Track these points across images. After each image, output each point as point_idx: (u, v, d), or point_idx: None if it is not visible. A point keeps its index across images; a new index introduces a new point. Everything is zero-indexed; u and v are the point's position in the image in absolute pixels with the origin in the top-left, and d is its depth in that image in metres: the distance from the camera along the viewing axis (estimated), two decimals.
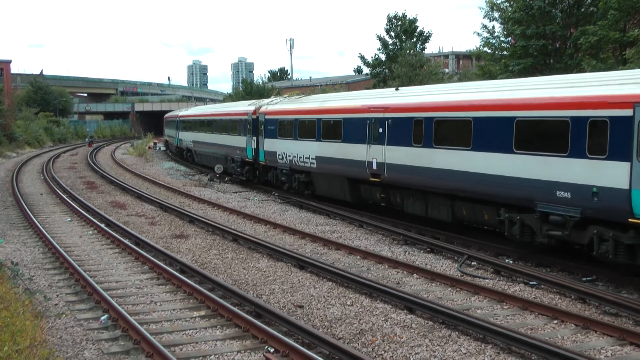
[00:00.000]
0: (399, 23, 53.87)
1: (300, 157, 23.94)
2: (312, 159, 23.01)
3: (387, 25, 54.53)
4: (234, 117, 31.83)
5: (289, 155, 24.78)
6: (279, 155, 25.72)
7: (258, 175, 29.50)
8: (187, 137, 42.99)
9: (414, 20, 53.82)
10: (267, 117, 27.15)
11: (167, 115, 61.99)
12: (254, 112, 28.53)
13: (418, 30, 53.95)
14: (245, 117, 29.40)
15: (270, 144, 26.63)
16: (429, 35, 54.25)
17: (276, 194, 27.00)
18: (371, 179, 19.50)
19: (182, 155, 47.53)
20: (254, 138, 28.18)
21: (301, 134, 23.94)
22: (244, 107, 31.54)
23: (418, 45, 53.52)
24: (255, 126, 28.24)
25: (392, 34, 54.34)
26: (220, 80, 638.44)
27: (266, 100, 30.63)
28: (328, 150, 22.00)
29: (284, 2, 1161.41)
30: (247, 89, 73.89)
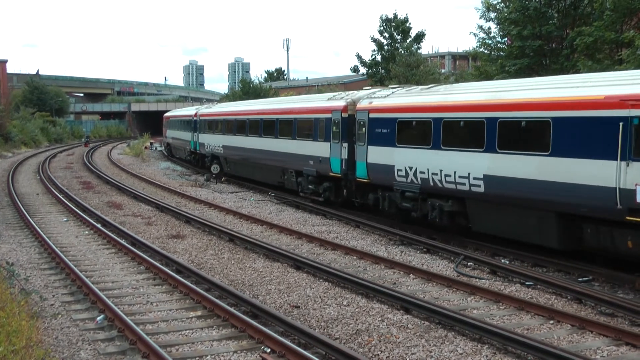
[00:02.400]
0: (392, 24, 54.01)
1: (446, 175, 16.28)
2: (474, 178, 15.35)
3: (380, 27, 54.70)
4: (305, 115, 24.11)
5: (422, 172, 17.10)
6: (398, 170, 17.93)
7: (347, 195, 22.08)
8: (213, 142, 34.91)
9: (406, 20, 53.94)
10: (373, 115, 19.29)
11: (168, 114, 55.70)
12: (345, 108, 21.15)
13: (411, 29, 54.10)
14: (329, 115, 21.85)
15: (380, 154, 18.79)
16: (423, 35, 54.38)
17: (272, 193, 26.94)
18: (628, 217, 11.97)
19: (199, 162, 39.70)
20: (344, 145, 20.89)
21: (449, 141, 16.31)
22: (324, 101, 23.36)
23: (413, 45, 53.61)
24: (347, 128, 20.94)
25: (386, 34, 54.49)
26: (217, 81, 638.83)
27: (364, 92, 21.72)
28: (513, 167, 14.32)
29: (279, 2, 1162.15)
30: (244, 88, 73.77)
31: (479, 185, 15.27)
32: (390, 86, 21.54)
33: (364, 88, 23.31)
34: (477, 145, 15.25)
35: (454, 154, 16.10)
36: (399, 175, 17.96)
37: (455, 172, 15.98)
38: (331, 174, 21.63)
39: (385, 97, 19.68)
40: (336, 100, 22.33)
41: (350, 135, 20.64)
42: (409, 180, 17.61)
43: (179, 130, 45.60)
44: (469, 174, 15.51)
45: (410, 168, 17.47)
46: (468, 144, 15.73)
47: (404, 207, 18.02)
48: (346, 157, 20.77)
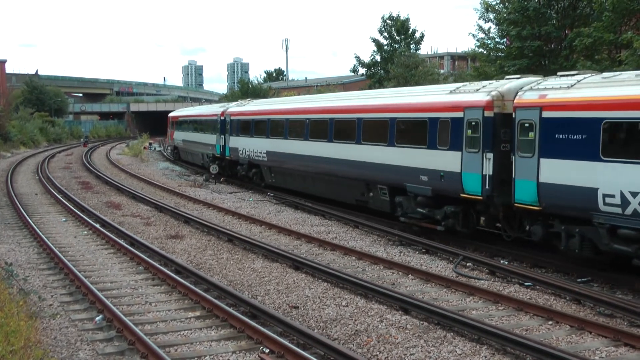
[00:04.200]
0: (392, 24, 54.06)
1: None
2: None
3: (380, 26, 54.73)
4: (412, 114, 17.99)
5: None
6: (607, 195, 12.45)
7: (486, 223, 16.63)
8: (252, 146, 28.49)
9: (407, 20, 54.02)
10: (551, 114, 13.73)
11: (176, 113, 49.31)
12: (489, 104, 15.34)
13: (411, 30, 54.16)
14: (458, 114, 16.06)
15: (566, 171, 13.32)
16: (422, 36, 54.49)
17: (271, 194, 26.90)
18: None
19: (226, 170, 33.42)
20: (487, 155, 15.10)
21: None
22: (446, 95, 17.08)
23: (412, 46, 53.71)
24: (492, 132, 15.25)
25: (386, 34, 54.53)
26: (215, 81, 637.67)
27: (515, 82, 15.59)
28: None
29: (278, 2, 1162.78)
30: (243, 88, 73.77)
31: None
32: (560, 73, 14.90)
33: (506, 77, 16.68)
34: None
35: None
36: (607, 204, 12.30)
37: None
38: (464, 195, 15.62)
39: (569, 87, 13.66)
40: (470, 94, 16.16)
41: (498, 143, 15.10)
42: (629, 211, 11.97)
43: (194, 132, 39.63)
44: None
45: (635, 194, 11.85)
46: None
47: (617, 251, 12.56)
48: (490, 172, 15.01)
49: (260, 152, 27.47)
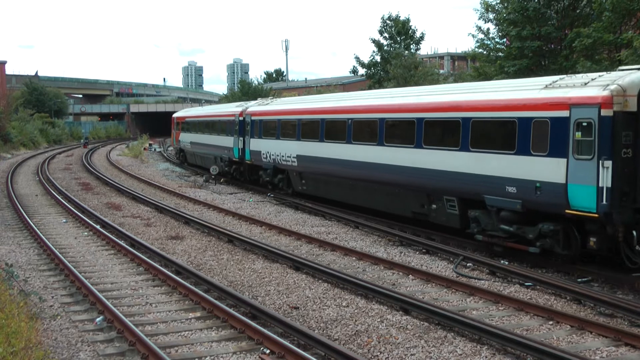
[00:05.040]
0: (393, 24, 54.08)
1: None
2: None
3: (381, 26, 54.73)
4: (501, 114, 15.01)
5: None
6: None
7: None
8: (279, 150, 25.61)
9: (407, 21, 54.04)
10: None
11: (182, 114, 46.37)
12: None
13: (411, 30, 54.17)
14: (582, 109, 13.01)
15: None
16: (422, 36, 54.51)
17: (272, 195, 26.88)
18: None
19: (245, 175, 30.91)
20: (604, 163, 12.48)
21: None
22: (572, 90, 13.60)
23: (412, 47, 53.75)
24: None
25: (386, 35, 54.55)
26: (214, 82, 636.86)
27: None
28: None
29: (277, 3, 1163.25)
30: (244, 89, 73.72)
31: None
32: None
33: (620, 69, 14.10)
34: None
35: None
36: None
37: None
38: (570, 211, 13.03)
39: None
40: (577, 89, 13.42)
41: (618, 148, 12.53)
42: None
43: (205, 134, 36.86)
44: None
45: None
46: None
47: None
48: (609, 184, 12.40)
49: (289, 157, 24.62)
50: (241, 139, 29.75)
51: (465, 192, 15.83)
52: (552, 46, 32.04)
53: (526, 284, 12.90)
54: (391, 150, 18.49)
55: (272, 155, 26.23)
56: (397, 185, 18.49)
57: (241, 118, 29.84)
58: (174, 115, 47.80)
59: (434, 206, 17.15)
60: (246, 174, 30.66)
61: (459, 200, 16.13)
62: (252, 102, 32.16)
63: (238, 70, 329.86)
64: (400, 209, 18.90)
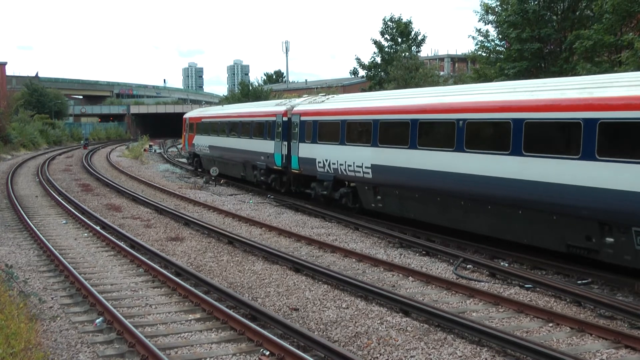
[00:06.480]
0: (394, 26, 54.17)
1: None
2: None
3: (382, 28, 54.81)
4: None
5: None
6: None
7: None
8: (345, 157, 20.91)
9: (409, 23, 54.14)
10: None
11: (197, 113, 41.29)
12: None
13: (413, 32, 54.28)
14: None
15: None
16: (424, 38, 54.65)
17: (271, 196, 26.83)
18: None
19: (288, 185, 26.45)
20: None
21: None
22: None
23: (413, 49, 53.85)
24: None
25: (387, 36, 54.63)
26: (214, 83, 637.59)
27: None
28: None
29: (277, 5, 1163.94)
30: (244, 90, 73.73)
31: None
32: None
33: None
34: None
35: None
36: None
37: None
38: None
39: None
40: None
41: None
42: None
43: (231, 137, 31.88)
44: None
45: None
46: None
47: None
48: None
49: (359, 166, 20.02)
50: (285, 143, 25.26)
51: None
52: (552, 47, 32.08)
53: (526, 285, 12.89)
54: (533, 162, 13.71)
55: (333, 164, 21.64)
56: (543, 211, 13.83)
57: (285, 118, 25.40)
58: (187, 115, 42.62)
59: (610, 239, 12.53)
60: (291, 186, 26.02)
61: None
62: (298, 100, 27.75)
63: (238, 72, 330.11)
64: (548, 240, 14.11)
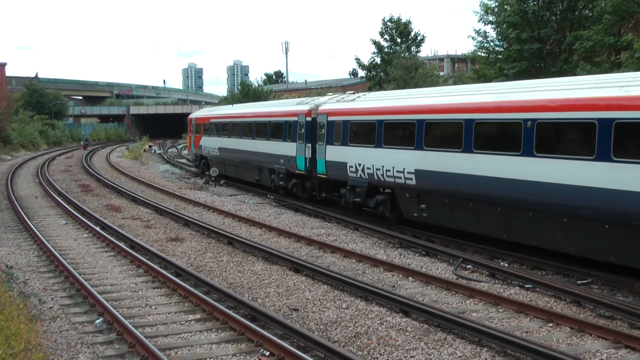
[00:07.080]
0: (394, 26, 54.20)
1: None
2: None
3: (382, 28, 54.84)
4: None
5: None
6: None
7: None
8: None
9: (408, 23, 54.18)
10: None
11: (204, 113, 39.37)
12: None
13: (412, 33, 54.32)
14: None
15: None
16: (423, 39, 54.71)
17: (271, 197, 26.83)
18: None
19: (308, 190, 24.54)
20: None
21: None
22: None
23: (412, 49, 53.91)
24: None
25: (387, 37, 54.66)
26: (214, 84, 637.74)
27: None
28: None
29: (277, 5, 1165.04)
30: (244, 91, 73.70)
31: None
32: None
33: None
34: None
35: None
36: None
37: None
38: None
39: None
40: None
41: None
42: None
43: (245, 139, 29.68)
44: None
45: None
46: None
47: None
48: None
49: (400, 172, 17.96)
50: (309, 145, 23.32)
51: None
52: (552, 46, 32.11)
53: (526, 286, 12.89)
54: (634, 169, 11.48)
55: (368, 168, 19.58)
56: None
57: (309, 118, 23.38)
58: (192, 115, 40.28)
59: None
60: (316, 191, 23.86)
61: None
62: (323, 98, 25.57)
63: (238, 72, 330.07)
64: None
